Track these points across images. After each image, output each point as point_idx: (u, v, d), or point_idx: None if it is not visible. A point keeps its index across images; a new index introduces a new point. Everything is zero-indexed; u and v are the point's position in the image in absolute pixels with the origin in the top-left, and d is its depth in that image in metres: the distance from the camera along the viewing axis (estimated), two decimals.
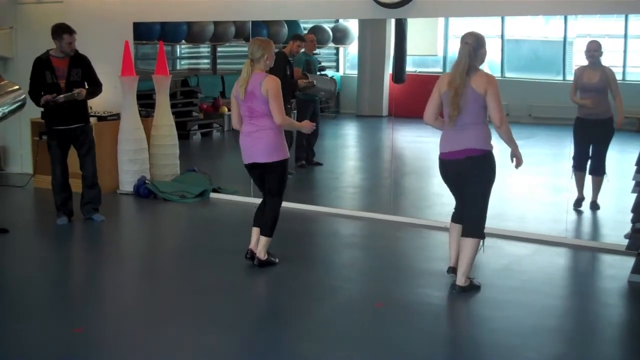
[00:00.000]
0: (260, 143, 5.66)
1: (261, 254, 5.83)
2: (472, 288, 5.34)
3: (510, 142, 5.23)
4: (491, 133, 5.20)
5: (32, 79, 6.96)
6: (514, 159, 5.31)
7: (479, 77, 5.08)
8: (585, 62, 7.26)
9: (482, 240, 5.33)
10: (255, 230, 5.91)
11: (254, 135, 5.68)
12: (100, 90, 7.25)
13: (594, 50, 7.17)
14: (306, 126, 5.98)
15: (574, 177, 7.36)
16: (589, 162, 7.35)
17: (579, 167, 7.35)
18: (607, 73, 7.17)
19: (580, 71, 7.29)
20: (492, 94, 5.05)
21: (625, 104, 7.34)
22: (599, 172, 7.32)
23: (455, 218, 5.49)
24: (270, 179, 5.79)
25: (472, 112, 5.10)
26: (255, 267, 5.81)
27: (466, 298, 5.28)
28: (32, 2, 9.41)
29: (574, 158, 7.35)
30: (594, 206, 7.39)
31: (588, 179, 7.39)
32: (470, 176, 5.21)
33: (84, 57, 7.12)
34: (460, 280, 5.30)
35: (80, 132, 7.14)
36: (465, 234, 5.30)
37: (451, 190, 5.46)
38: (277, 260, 5.91)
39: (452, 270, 5.45)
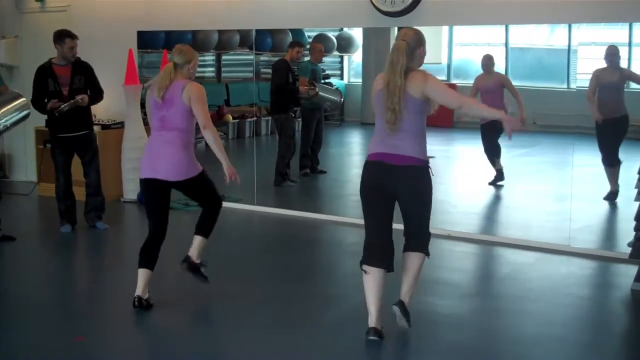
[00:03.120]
0: (165, 159, 5.07)
1: (197, 256, 5.46)
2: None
3: (484, 111, 4.62)
4: (426, 144, 4.59)
5: (35, 87, 6.98)
6: (506, 123, 4.31)
7: (413, 78, 4.41)
8: (585, 70, 7.43)
9: (426, 257, 4.71)
10: (145, 273, 5.15)
11: (160, 148, 5.10)
12: (102, 97, 7.27)
13: (612, 54, 7.36)
14: (229, 172, 5.15)
15: (606, 172, 7.42)
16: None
17: (610, 164, 7.44)
18: (624, 72, 7.40)
19: (601, 72, 7.43)
20: (433, 87, 4.41)
21: (630, 112, 7.41)
22: (613, 163, 7.42)
23: (373, 258, 4.49)
24: (198, 192, 5.35)
25: (410, 119, 4.42)
26: (257, 274, 5.81)
27: (469, 307, 5.27)
28: (36, 10, 9.46)
29: (604, 156, 7.42)
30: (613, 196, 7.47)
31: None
32: (406, 190, 4.49)
33: (86, 64, 7.13)
34: (405, 297, 4.66)
35: (84, 140, 7.15)
36: (414, 248, 4.61)
37: (371, 209, 4.55)
38: (206, 268, 5.51)
39: (375, 332, 4.52)
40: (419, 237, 4.64)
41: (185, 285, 5.86)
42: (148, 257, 5.15)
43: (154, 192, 5.17)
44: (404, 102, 4.38)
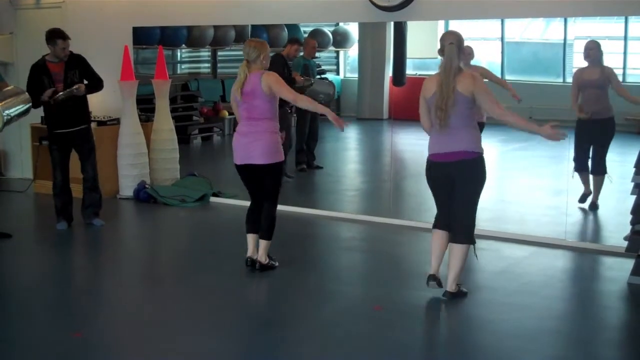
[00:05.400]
0: (257, 145, 5.58)
1: (262, 257, 5.82)
2: (461, 294, 5.26)
3: (525, 124, 4.99)
4: (480, 136, 5.12)
5: (29, 84, 6.94)
6: (548, 136, 4.87)
7: (464, 79, 4.97)
8: (583, 64, 7.33)
9: (473, 246, 5.20)
10: (251, 237, 5.89)
11: (250, 136, 5.61)
12: (101, 85, 7.19)
13: (589, 49, 7.22)
14: (331, 116, 5.64)
15: (577, 177, 7.38)
16: (589, 163, 7.38)
17: (580, 169, 7.37)
18: (606, 70, 7.21)
19: (580, 71, 7.33)
20: (481, 92, 4.94)
21: (625, 105, 7.37)
22: (599, 171, 7.35)
23: (440, 224, 5.28)
24: (268, 183, 5.74)
25: (461, 114, 4.97)
26: (254, 271, 5.81)
27: (465, 301, 5.27)
28: (31, 7, 9.43)
29: (575, 160, 7.36)
30: (594, 207, 7.40)
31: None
32: (461, 180, 5.07)
33: (80, 57, 7.08)
34: (451, 287, 5.19)
35: (81, 135, 7.13)
36: (456, 240, 5.16)
37: (437, 195, 5.28)
38: (277, 263, 5.91)
39: (434, 278, 5.25)
40: (461, 227, 5.15)
41: (181, 281, 5.86)
42: (252, 223, 5.86)
43: (249, 176, 5.77)
44: (454, 100, 4.93)
